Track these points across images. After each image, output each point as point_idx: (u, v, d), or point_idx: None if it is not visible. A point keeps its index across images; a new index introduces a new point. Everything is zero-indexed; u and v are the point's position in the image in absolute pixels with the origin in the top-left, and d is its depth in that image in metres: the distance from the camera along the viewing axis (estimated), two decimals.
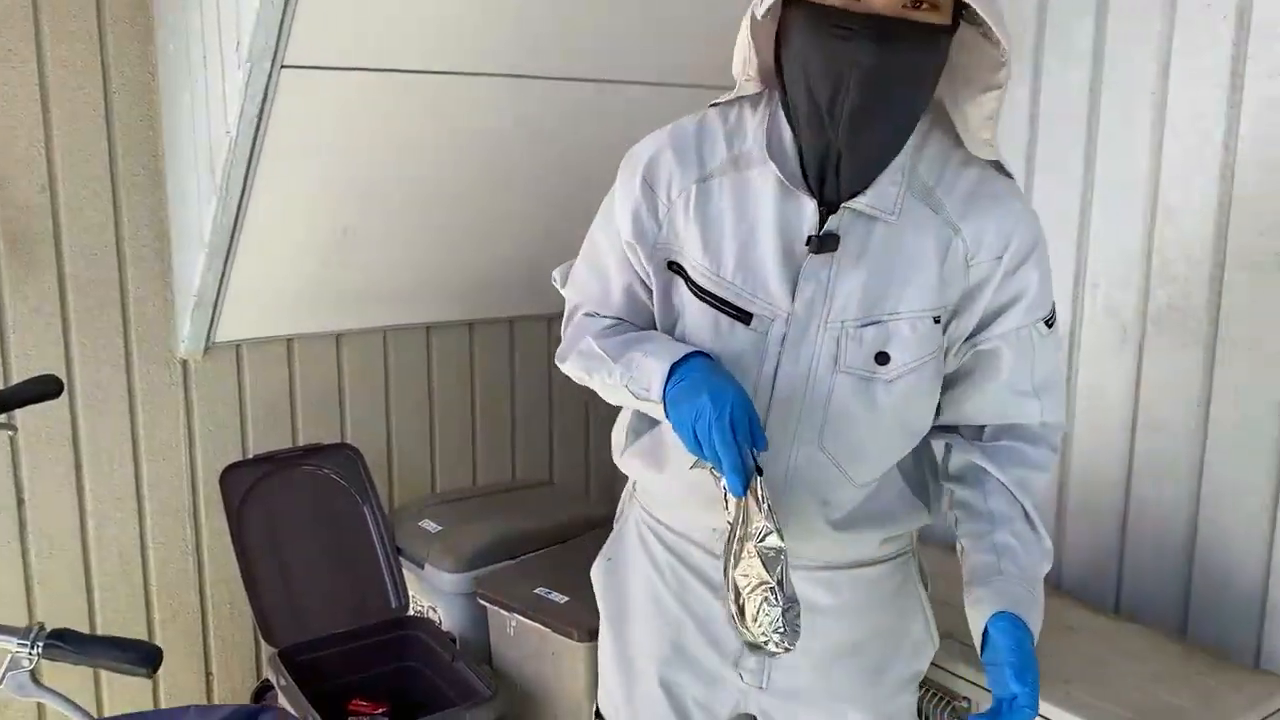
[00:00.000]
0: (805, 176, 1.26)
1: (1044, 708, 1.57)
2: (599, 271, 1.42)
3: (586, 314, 1.43)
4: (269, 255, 2.31)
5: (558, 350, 1.46)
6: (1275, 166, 1.72)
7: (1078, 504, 2.08)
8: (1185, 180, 1.83)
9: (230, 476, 2.37)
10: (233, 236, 2.21)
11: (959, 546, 1.35)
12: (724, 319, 1.29)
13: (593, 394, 1.42)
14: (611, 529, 1.59)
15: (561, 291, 1.51)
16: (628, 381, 1.29)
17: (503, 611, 2.23)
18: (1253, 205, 1.75)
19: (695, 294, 1.31)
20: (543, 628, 2.13)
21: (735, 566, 1.19)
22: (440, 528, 2.48)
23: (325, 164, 2.17)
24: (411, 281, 2.64)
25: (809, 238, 1.25)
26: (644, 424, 1.42)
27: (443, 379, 2.87)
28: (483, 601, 2.28)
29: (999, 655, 1.17)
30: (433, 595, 2.44)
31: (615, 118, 2.29)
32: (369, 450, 2.58)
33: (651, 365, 1.27)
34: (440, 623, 2.43)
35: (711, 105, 1.36)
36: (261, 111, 1.94)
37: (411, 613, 2.44)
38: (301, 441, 2.64)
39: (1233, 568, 1.82)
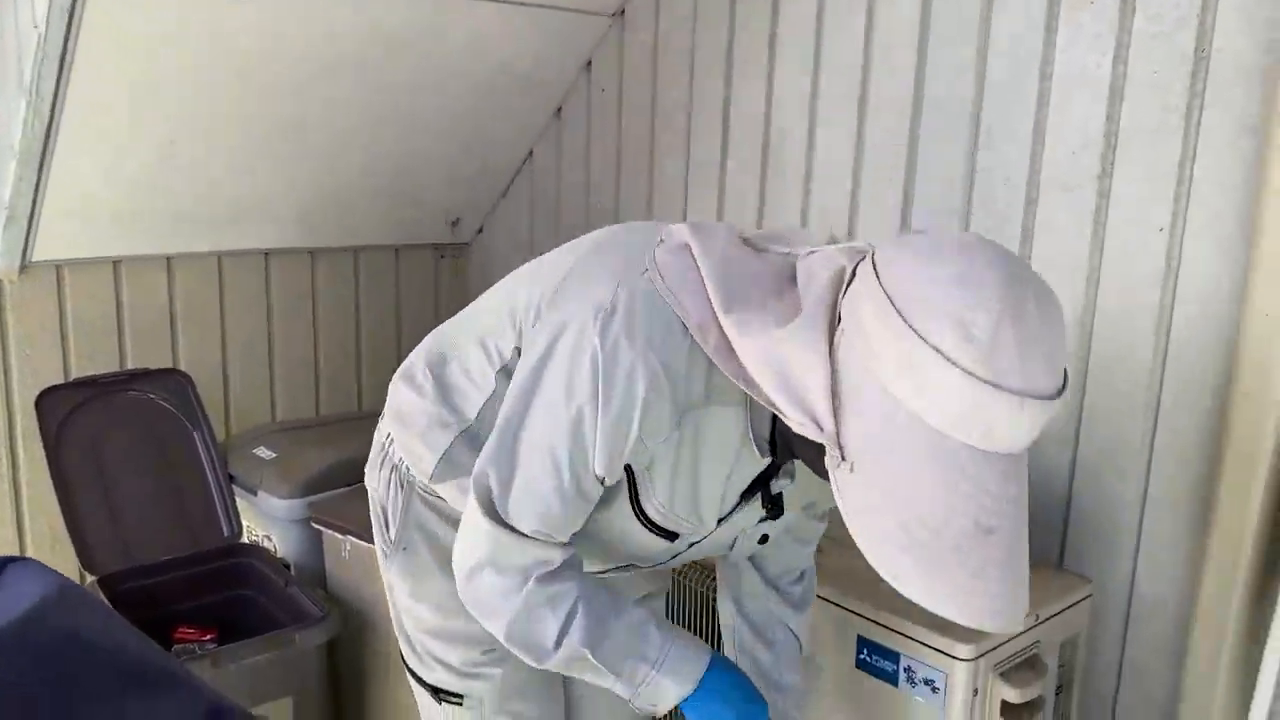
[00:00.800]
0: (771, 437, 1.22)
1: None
2: (563, 497, 1.18)
3: (541, 578, 1.21)
4: (87, 167, 2.19)
5: (511, 623, 1.22)
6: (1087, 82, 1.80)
7: None
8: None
9: (46, 401, 2.26)
10: (46, 144, 2.09)
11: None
12: (647, 532, 1.29)
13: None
14: None
15: (514, 527, 1.19)
16: (632, 696, 1.26)
17: (337, 535, 2.19)
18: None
19: (635, 513, 1.26)
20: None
21: None
22: (275, 455, 2.42)
23: (147, 66, 2.06)
24: (246, 203, 2.54)
25: (763, 501, 1.29)
26: (469, 458, 1.30)
27: (283, 307, 2.79)
28: (317, 526, 2.24)
29: None
30: (267, 523, 2.38)
31: (470, 33, 2.24)
32: (204, 379, 2.49)
33: (666, 686, 1.25)
34: (275, 550, 2.37)
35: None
36: (74, 4, 1.83)
37: (245, 541, 2.38)
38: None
39: (1040, 479, 1.92)
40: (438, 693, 1.50)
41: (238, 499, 2.38)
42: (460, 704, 1.50)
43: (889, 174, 2.09)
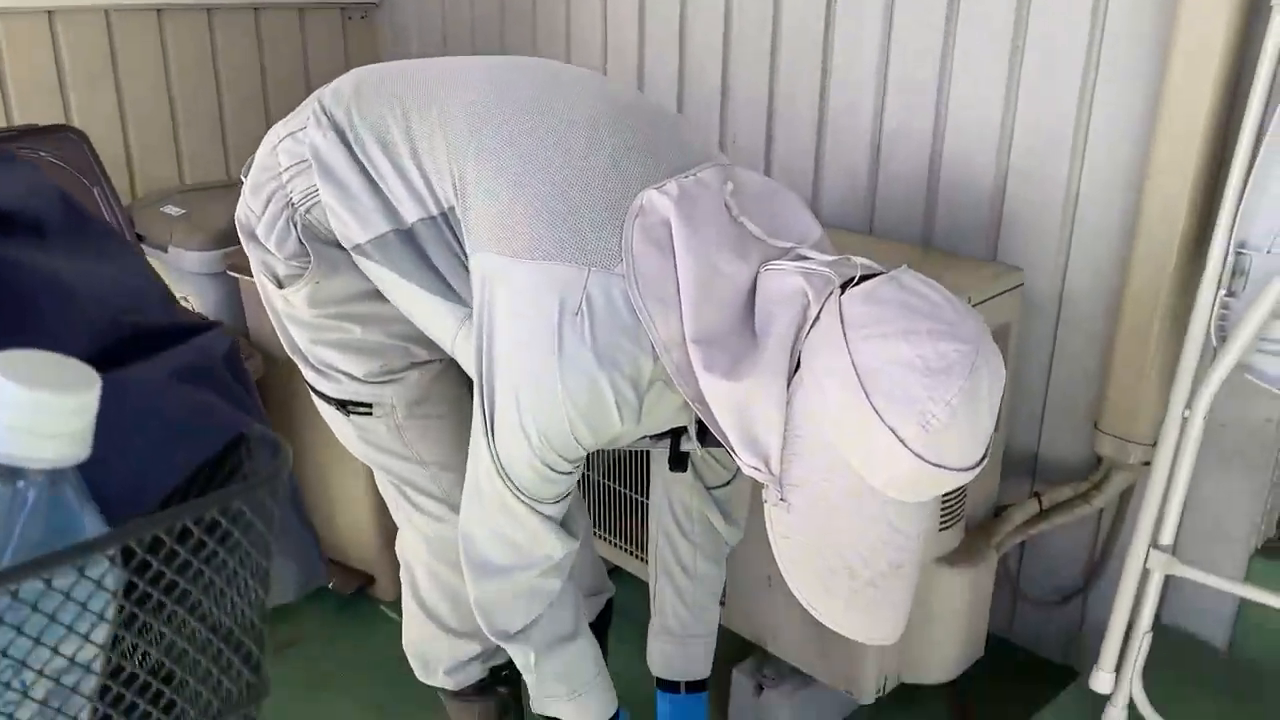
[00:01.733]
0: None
1: None
2: (536, 469, 1.22)
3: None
4: None
5: (493, 597, 1.35)
6: None
7: (833, 142, 2.09)
8: None
9: None
10: None
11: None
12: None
13: None
14: None
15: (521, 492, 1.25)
16: (534, 697, 1.43)
17: (253, 280, 2.10)
18: None
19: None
20: None
21: None
22: (184, 211, 2.30)
23: None
24: None
25: (670, 455, 1.33)
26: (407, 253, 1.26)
27: (183, 68, 2.61)
28: (234, 274, 2.15)
29: None
30: (180, 281, 2.28)
31: None
32: (102, 140, 2.33)
33: (564, 711, 1.40)
34: (193, 310, 2.28)
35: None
36: None
37: None
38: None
39: (973, 177, 1.89)
40: (345, 406, 1.45)
41: (149, 259, 2.27)
42: (370, 413, 1.45)
43: None
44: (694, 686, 1.58)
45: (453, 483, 1.49)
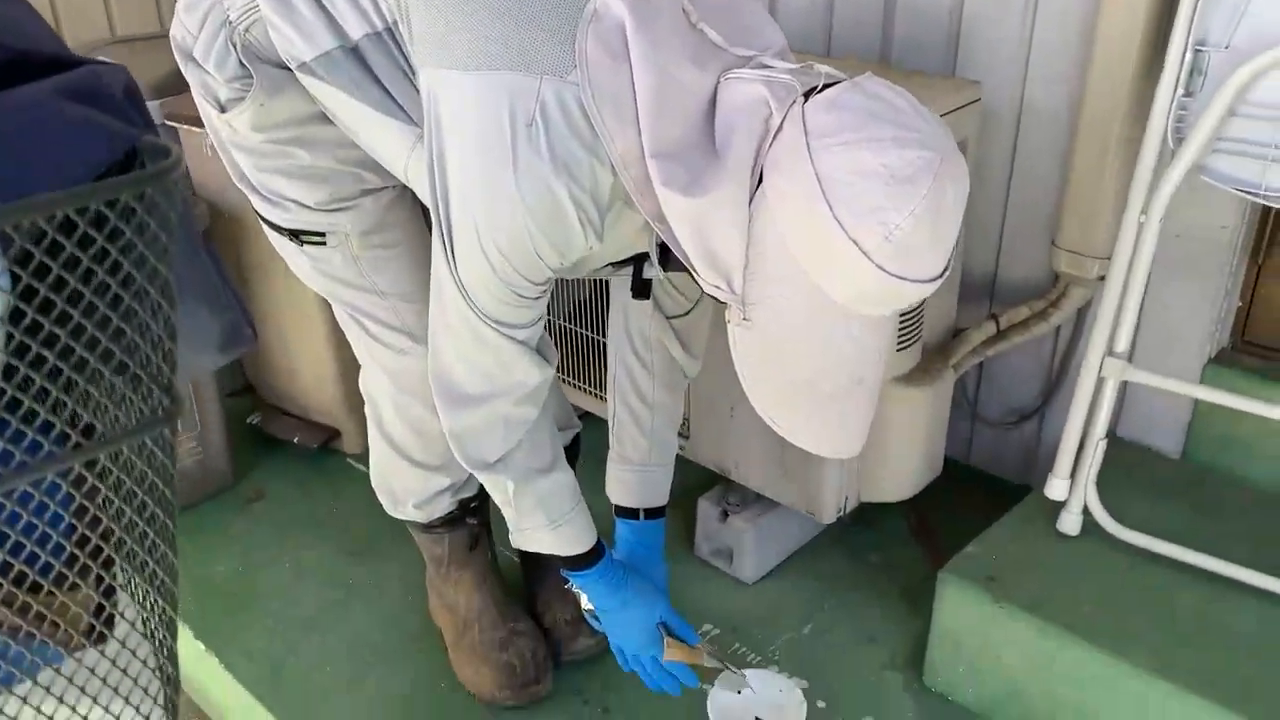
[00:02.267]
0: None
1: None
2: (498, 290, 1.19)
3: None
4: None
5: (466, 426, 1.33)
6: None
7: None
8: None
9: None
10: None
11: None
12: None
13: None
14: None
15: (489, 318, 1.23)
16: (514, 533, 1.45)
17: (195, 130, 2.03)
18: None
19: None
20: None
21: None
22: (116, 63, 2.20)
23: None
24: None
25: (633, 283, 1.32)
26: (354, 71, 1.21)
27: None
28: (172, 124, 2.08)
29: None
30: None
31: None
32: None
33: (545, 542, 1.44)
34: None
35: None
36: None
37: None
38: None
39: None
40: (297, 236, 1.41)
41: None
42: (324, 243, 1.41)
43: None
44: (652, 514, 1.60)
45: (413, 314, 1.47)
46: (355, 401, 1.66)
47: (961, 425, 2.11)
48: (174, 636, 0.55)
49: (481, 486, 1.73)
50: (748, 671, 1.56)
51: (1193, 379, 1.75)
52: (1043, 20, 1.73)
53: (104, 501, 0.47)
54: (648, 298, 1.38)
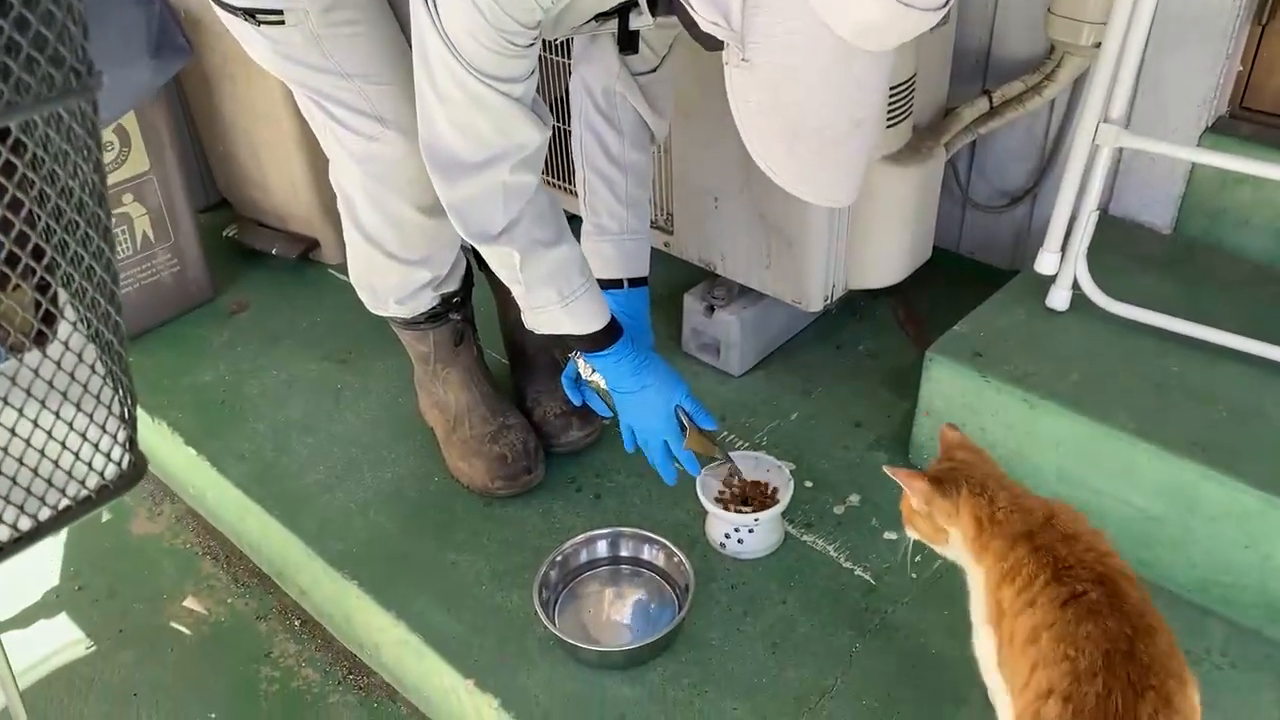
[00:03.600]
0: None
1: None
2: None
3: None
4: None
5: (467, 198, 1.28)
6: None
7: None
8: None
9: None
10: None
11: None
12: None
13: None
14: None
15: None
16: (527, 312, 1.42)
17: None
18: None
19: None
20: None
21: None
22: None
23: None
24: None
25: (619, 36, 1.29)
26: None
27: None
28: None
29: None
30: None
31: None
32: None
33: (561, 321, 1.39)
34: None
35: None
36: None
37: None
38: None
39: None
40: (253, 16, 1.32)
41: None
42: (282, 22, 1.33)
43: None
44: (636, 282, 1.57)
45: (381, 96, 1.41)
46: (332, 210, 1.61)
47: (952, 211, 2.08)
48: (122, 343, 0.52)
49: (465, 280, 1.71)
50: (734, 454, 1.57)
51: (1188, 144, 1.71)
52: None
53: (24, 182, 0.44)
54: (635, 51, 1.33)
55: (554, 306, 1.39)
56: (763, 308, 1.87)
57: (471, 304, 1.74)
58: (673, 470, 1.52)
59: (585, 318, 1.42)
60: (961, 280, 2.03)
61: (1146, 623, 0.97)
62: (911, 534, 1.20)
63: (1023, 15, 1.80)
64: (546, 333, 1.45)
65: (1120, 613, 0.97)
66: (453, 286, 1.67)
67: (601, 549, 1.55)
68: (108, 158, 1.91)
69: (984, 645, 1.09)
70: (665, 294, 1.97)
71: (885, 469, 1.18)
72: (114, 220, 1.97)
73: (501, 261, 1.36)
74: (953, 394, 1.60)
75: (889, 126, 1.66)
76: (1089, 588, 0.99)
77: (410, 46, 1.21)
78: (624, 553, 1.55)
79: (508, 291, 1.80)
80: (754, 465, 1.58)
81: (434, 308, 1.66)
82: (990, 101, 1.80)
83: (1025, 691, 0.98)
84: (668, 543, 1.52)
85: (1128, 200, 1.83)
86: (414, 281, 1.61)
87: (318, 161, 1.56)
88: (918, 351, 1.84)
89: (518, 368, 1.84)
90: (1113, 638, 0.95)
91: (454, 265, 1.65)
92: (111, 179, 1.94)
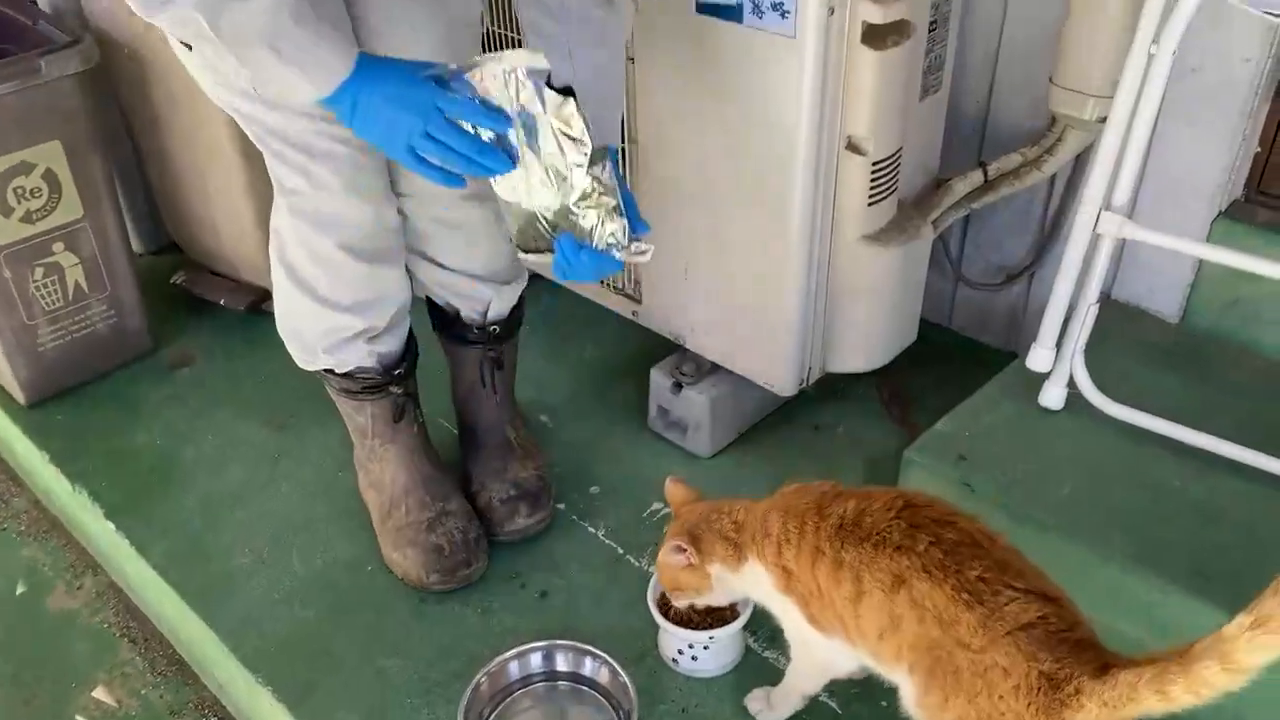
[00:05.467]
0: None
1: None
2: None
3: None
4: None
5: None
6: None
7: None
8: None
9: None
10: None
11: None
12: None
13: None
14: None
15: None
16: (255, 85, 1.14)
17: None
18: None
19: None
20: None
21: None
22: None
23: None
24: None
25: None
26: None
27: None
28: None
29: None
30: None
31: None
32: None
33: (294, 82, 1.10)
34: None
35: None
36: None
37: None
38: None
39: None
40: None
41: None
42: None
43: None
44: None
45: (318, 134, 1.28)
46: None
47: (945, 287, 1.94)
48: None
49: (407, 347, 1.57)
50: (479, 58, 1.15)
51: (1199, 234, 1.56)
52: None
53: None
54: None
55: (272, 65, 1.10)
56: (734, 385, 1.73)
57: (416, 379, 1.60)
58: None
59: (312, 65, 1.11)
60: (952, 359, 1.89)
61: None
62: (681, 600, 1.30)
63: (1023, 83, 1.67)
64: (287, 100, 1.20)
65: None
66: (390, 346, 1.53)
67: (536, 663, 1.40)
68: (33, 206, 1.78)
69: (794, 622, 1.19)
70: (632, 366, 1.83)
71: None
72: (42, 271, 1.84)
73: (194, 34, 1.12)
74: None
75: (870, 204, 1.51)
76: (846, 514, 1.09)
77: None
78: (561, 668, 1.41)
79: (462, 360, 1.67)
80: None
81: (372, 376, 1.52)
82: (985, 174, 1.66)
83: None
84: (609, 658, 1.37)
85: (1133, 285, 1.69)
86: (342, 328, 1.47)
87: (268, 207, 1.44)
88: (908, 437, 1.69)
89: (466, 444, 1.70)
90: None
91: (392, 322, 1.51)
92: (40, 227, 1.80)
